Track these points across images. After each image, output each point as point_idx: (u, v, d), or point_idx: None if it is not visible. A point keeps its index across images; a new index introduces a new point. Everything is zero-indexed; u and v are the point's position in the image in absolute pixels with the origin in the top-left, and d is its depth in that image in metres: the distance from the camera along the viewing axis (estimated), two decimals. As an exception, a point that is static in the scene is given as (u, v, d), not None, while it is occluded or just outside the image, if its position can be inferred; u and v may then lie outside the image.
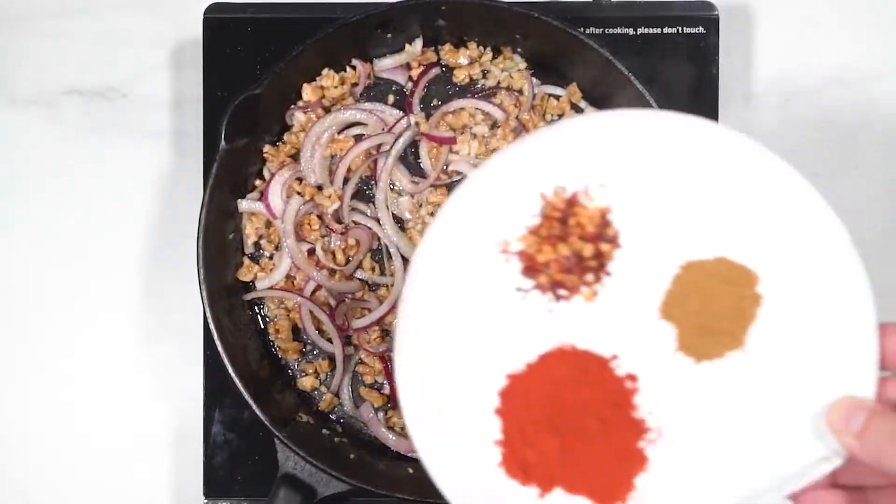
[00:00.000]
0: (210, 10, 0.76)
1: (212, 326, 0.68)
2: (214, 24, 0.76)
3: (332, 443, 0.72)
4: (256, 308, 0.74)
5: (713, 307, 0.51)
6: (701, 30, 0.75)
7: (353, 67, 0.74)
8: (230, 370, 0.68)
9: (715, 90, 0.75)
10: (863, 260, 0.48)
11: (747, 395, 0.50)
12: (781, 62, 0.79)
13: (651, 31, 0.75)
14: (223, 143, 0.67)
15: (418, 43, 0.73)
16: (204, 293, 0.68)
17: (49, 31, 0.79)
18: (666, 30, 0.75)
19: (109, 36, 0.79)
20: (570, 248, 0.52)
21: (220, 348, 0.67)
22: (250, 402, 0.68)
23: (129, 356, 0.78)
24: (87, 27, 0.79)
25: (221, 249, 0.72)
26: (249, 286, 0.73)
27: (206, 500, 0.75)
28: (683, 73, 0.75)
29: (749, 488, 0.48)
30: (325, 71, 0.73)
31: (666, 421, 0.50)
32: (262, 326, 0.74)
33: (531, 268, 0.52)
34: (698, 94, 0.75)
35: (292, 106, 0.73)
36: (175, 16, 0.79)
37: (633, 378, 0.51)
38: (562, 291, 0.52)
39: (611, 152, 0.52)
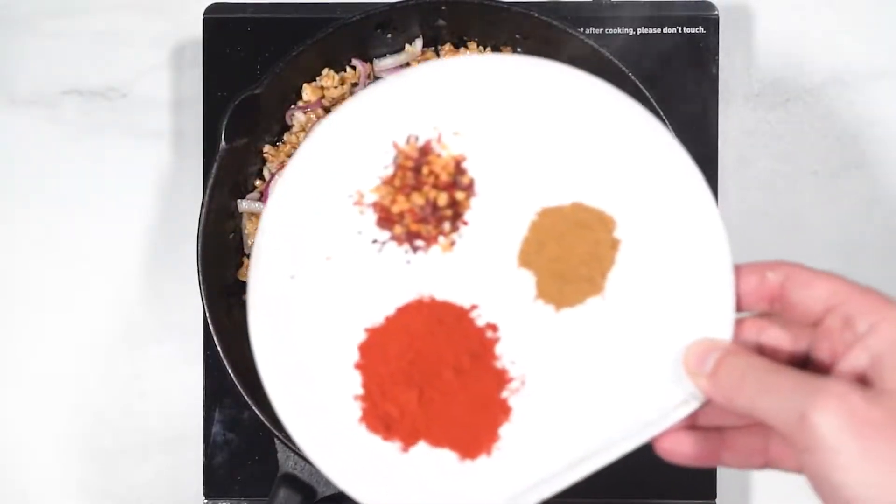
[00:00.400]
0: (210, 10, 0.76)
1: (212, 326, 0.68)
2: (214, 24, 0.76)
3: (332, 443, 0.72)
4: (256, 308, 0.74)
5: (571, 253, 0.50)
6: (701, 30, 0.75)
7: (354, 67, 0.74)
8: (230, 370, 0.68)
9: (715, 90, 0.75)
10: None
11: (608, 342, 0.49)
12: (781, 62, 0.79)
13: (651, 31, 0.75)
14: (223, 143, 0.67)
15: (418, 43, 0.73)
16: (204, 293, 0.68)
17: (49, 31, 0.79)
18: (666, 30, 0.75)
19: (109, 36, 0.79)
20: (424, 197, 0.51)
21: (219, 348, 0.68)
22: (250, 402, 0.68)
23: (128, 356, 0.78)
24: (87, 27, 0.79)
25: (221, 249, 0.72)
26: (249, 286, 0.73)
27: (206, 501, 0.75)
28: (683, 73, 0.75)
29: (612, 434, 0.47)
30: (325, 71, 0.73)
31: (529, 370, 0.49)
32: (262, 326, 0.74)
33: (386, 219, 0.51)
34: (698, 94, 0.75)
35: (292, 106, 0.73)
36: (175, 16, 0.79)
37: (493, 328, 0.50)
38: (418, 242, 0.51)
39: (464, 99, 0.51)
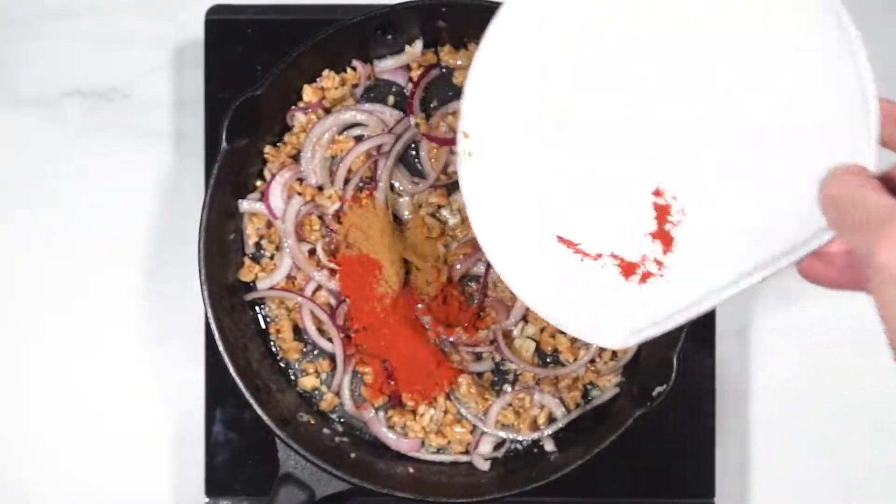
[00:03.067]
0: (211, 11, 0.76)
1: (213, 326, 0.68)
2: (216, 25, 0.76)
3: (332, 442, 0.72)
4: (257, 308, 0.74)
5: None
6: (700, 31, 0.75)
7: (354, 69, 0.74)
8: (231, 370, 0.68)
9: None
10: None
11: (754, 169, 0.51)
12: (780, 63, 0.79)
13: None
14: (224, 143, 0.68)
15: (418, 44, 0.74)
16: (205, 293, 0.68)
17: (51, 32, 0.79)
18: (665, 31, 0.75)
19: (111, 37, 0.79)
20: None
21: (221, 348, 0.68)
22: (251, 401, 0.68)
23: (130, 356, 0.78)
24: (89, 28, 0.79)
25: (222, 250, 0.72)
26: (250, 286, 0.74)
27: (207, 500, 0.75)
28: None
29: (762, 257, 0.49)
30: (325, 72, 0.73)
31: (688, 204, 0.53)
32: (263, 326, 0.74)
33: None
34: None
35: (293, 107, 0.73)
36: (176, 17, 0.79)
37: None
38: None
39: None
